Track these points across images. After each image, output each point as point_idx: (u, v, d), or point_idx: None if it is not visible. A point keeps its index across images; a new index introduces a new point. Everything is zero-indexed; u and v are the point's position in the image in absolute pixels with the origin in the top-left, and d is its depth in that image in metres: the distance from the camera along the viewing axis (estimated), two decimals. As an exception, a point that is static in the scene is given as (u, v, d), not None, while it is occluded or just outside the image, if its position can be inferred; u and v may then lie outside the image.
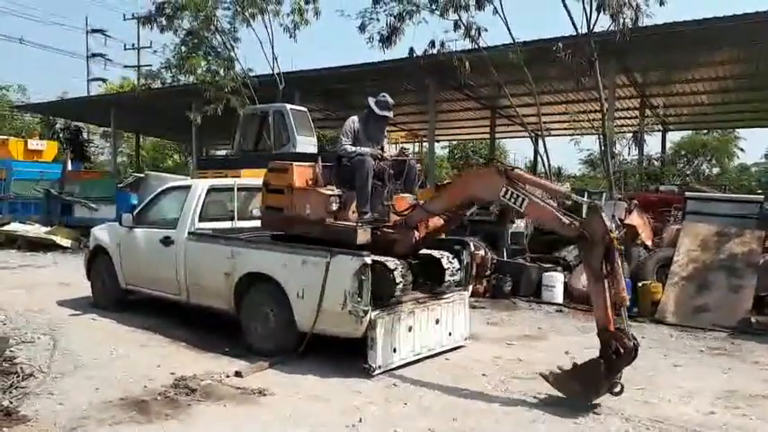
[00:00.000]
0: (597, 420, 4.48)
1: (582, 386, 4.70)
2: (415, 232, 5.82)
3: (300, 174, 6.10)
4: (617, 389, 4.62)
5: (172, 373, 5.25)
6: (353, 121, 6.32)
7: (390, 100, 6.41)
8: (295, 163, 6.27)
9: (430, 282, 6.16)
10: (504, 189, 4.99)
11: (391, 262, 5.47)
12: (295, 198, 6.05)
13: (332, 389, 5.04)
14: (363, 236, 5.68)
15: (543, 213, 5.03)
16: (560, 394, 4.86)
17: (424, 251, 6.12)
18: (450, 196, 5.62)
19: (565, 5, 12.97)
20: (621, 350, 4.57)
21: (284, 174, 6.16)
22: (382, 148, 6.39)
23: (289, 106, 15.36)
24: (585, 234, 4.66)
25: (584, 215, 4.91)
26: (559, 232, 5.29)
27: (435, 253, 6.18)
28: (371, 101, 6.36)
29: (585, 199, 5.01)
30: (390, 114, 6.46)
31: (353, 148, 6.10)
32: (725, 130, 32.87)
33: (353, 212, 6.00)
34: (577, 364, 4.84)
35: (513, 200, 4.98)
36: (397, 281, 5.37)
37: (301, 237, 6.00)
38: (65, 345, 6.22)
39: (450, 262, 6.19)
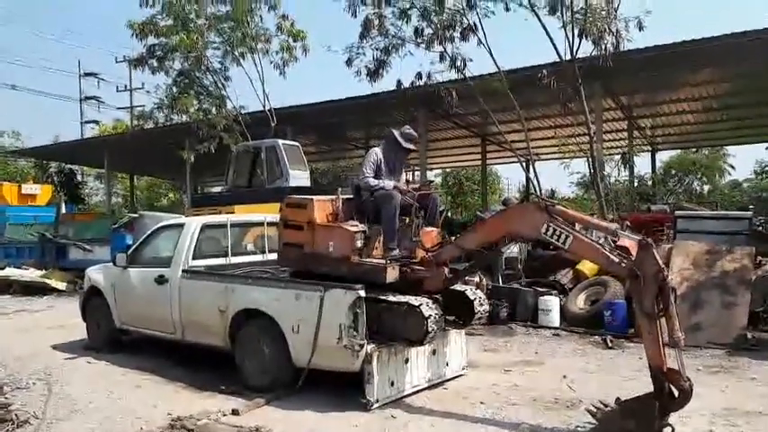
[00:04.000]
0: (595, 444, 4.47)
1: (635, 426, 4.46)
2: (445, 269, 5.63)
3: (321, 208, 5.89)
4: (668, 430, 4.38)
5: (168, 414, 5.22)
6: (376, 153, 6.16)
7: (415, 133, 6.29)
8: (315, 197, 6.03)
9: (459, 318, 5.98)
10: (545, 225, 4.81)
11: (416, 299, 5.32)
12: (316, 234, 5.81)
13: (330, 423, 5.02)
14: (392, 274, 5.47)
15: (589, 251, 4.84)
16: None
17: None
18: (487, 232, 5.42)
19: (547, 33, 13.24)
20: (677, 392, 4.39)
21: (303, 209, 5.94)
22: (408, 182, 6.29)
23: (281, 141, 15.51)
24: (637, 273, 4.41)
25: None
26: (608, 270, 5.14)
27: (458, 286, 6.04)
28: (396, 133, 6.21)
29: (636, 236, 4.71)
30: (414, 147, 6.35)
31: (376, 182, 5.97)
32: (713, 148, 33.22)
33: (377, 249, 5.79)
34: (624, 400, 4.65)
35: (555, 237, 4.78)
36: (426, 315, 5.19)
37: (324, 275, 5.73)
38: (60, 389, 6.17)
39: (476, 293, 6.06)
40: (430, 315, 5.23)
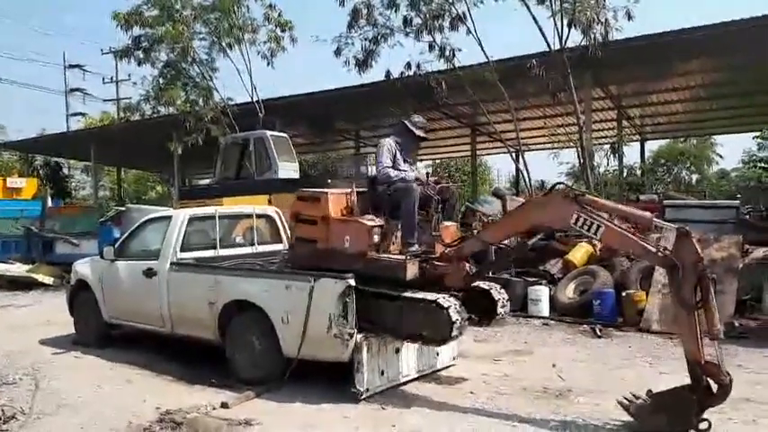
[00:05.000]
0: (585, 432, 4.49)
1: (670, 421, 4.33)
2: (467, 264, 5.38)
3: (335, 202, 5.65)
4: (704, 425, 4.22)
5: (157, 408, 5.18)
6: (391, 143, 5.98)
7: (424, 120, 6.17)
8: (329, 190, 5.83)
9: (477, 315, 5.77)
10: (575, 216, 4.62)
11: (444, 299, 5.08)
12: (331, 229, 5.57)
13: (320, 415, 5.01)
14: (412, 270, 5.23)
15: (623, 241, 4.67)
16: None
17: None
18: (512, 225, 5.23)
19: (536, 22, 13.25)
20: (717, 386, 4.24)
21: (317, 203, 5.71)
22: (428, 174, 6.08)
23: (269, 133, 15.41)
24: (676, 262, 4.29)
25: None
26: (644, 260, 4.90)
27: (483, 284, 5.88)
28: (407, 122, 6.08)
29: (672, 225, 4.57)
30: (426, 135, 6.18)
31: (396, 172, 5.76)
32: (702, 138, 33.45)
33: (394, 244, 5.56)
34: (658, 393, 4.52)
35: (586, 227, 4.60)
36: (453, 319, 4.96)
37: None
38: (48, 384, 6.12)
39: (500, 293, 5.91)
40: (457, 319, 4.99)
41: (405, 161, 6.02)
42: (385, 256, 5.44)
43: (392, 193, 5.69)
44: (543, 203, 5.09)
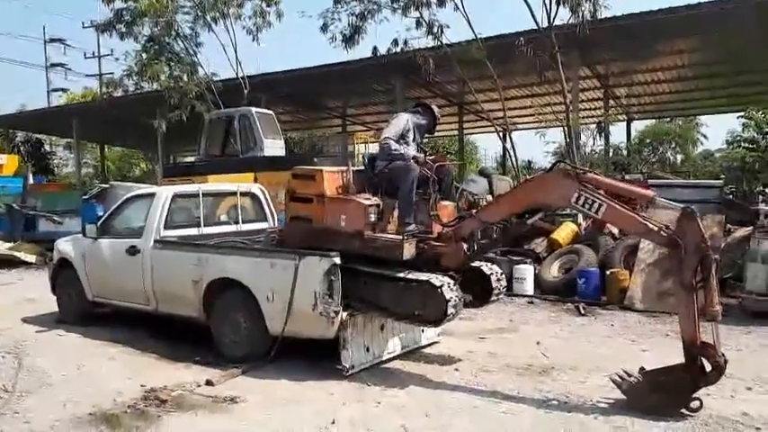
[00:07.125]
0: (565, 408, 4.54)
1: (665, 399, 4.33)
2: (464, 245, 5.30)
3: (331, 180, 5.60)
4: (696, 404, 4.27)
5: (142, 386, 5.16)
6: (407, 120, 5.95)
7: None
8: (325, 168, 5.77)
9: (471, 296, 5.70)
10: (576, 194, 4.56)
11: (436, 278, 5.03)
12: (327, 208, 5.54)
13: (305, 392, 5.03)
14: (409, 250, 5.17)
15: (625, 220, 4.64)
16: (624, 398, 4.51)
17: None
18: (512, 204, 5.16)
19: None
20: (710, 367, 4.26)
21: (312, 181, 5.65)
22: (425, 153, 6.08)
23: (254, 110, 15.25)
24: (679, 242, 4.26)
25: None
26: (646, 239, 4.87)
27: (484, 268, 5.83)
28: (435, 109, 6.17)
29: (677, 204, 4.51)
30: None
31: (396, 146, 5.70)
32: (687, 118, 33.63)
33: (391, 223, 5.55)
34: (650, 371, 4.51)
35: (587, 206, 4.55)
36: (447, 297, 4.91)
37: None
38: (31, 362, 6.07)
39: (492, 268, 5.88)
40: (451, 298, 4.95)
41: (413, 141, 5.99)
42: (382, 235, 5.41)
43: (390, 171, 5.65)
44: (545, 182, 5.03)
